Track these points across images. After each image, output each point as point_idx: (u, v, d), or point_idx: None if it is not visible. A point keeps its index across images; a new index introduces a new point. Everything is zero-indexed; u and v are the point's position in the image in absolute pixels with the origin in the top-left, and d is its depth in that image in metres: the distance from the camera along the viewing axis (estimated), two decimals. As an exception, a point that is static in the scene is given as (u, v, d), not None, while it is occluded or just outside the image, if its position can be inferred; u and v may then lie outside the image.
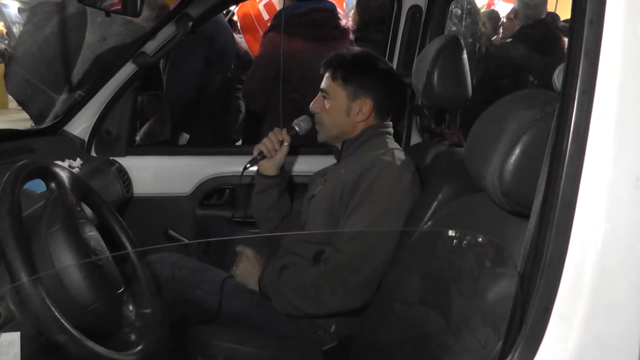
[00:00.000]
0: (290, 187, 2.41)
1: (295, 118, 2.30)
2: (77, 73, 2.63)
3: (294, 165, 2.60)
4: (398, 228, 1.87)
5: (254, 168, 2.28)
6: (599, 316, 0.88)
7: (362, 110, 2.07)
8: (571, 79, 0.86)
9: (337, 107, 2.09)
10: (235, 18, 4.28)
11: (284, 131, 2.23)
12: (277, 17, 3.13)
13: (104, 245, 1.42)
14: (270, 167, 2.24)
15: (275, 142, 2.20)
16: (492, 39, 5.05)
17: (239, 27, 4.02)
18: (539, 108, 1.16)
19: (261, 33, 3.69)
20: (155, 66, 2.85)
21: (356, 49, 2.30)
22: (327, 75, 2.12)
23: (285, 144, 2.22)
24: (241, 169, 2.24)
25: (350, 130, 2.11)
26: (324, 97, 2.13)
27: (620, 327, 0.89)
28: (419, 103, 2.54)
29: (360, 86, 2.07)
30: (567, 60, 0.88)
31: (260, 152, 2.21)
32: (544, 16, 4.27)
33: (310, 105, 2.17)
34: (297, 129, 2.24)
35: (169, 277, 1.98)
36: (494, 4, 5.95)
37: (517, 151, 1.16)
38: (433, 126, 2.36)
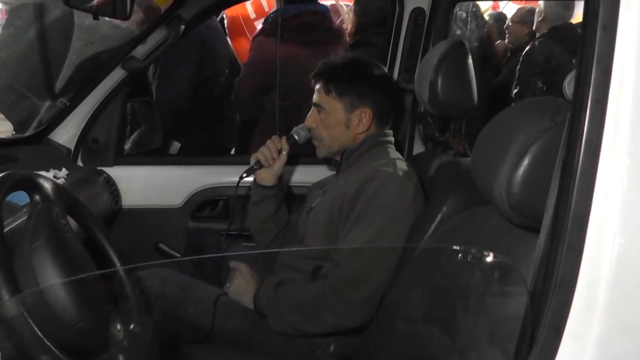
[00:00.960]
0: (288, 198, 2.41)
1: (288, 125, 2.30)
2: (62, 78, 2.62)
3: (292, 175, 2.60)
4: (400, 242, 1.87)
5: (250, 178, 2.28)
6: (614, 336, 0.88)
7: (362, 120, 2.07)
8: (583, 87, 0.86)
9: (336, 121, 2.10)
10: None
11: (283, 139, 2.22)
12: (267, 21, 3.14)
13: (91, 261, 1.42)
14: (268, 176, 2.24)
15: (273, 150, 2.20)
16: (496, 43, 5.03)
17: (227, 31, 4.04)
18: (548, 117, 1.16)
19: (249, 36, 3.72)
20: (143, 71, 2.85)
21: (345, 56, 2.29)
22: (318, 87, 2.12)
23: (284, 152, 2.22)
24: (235, 179, 2.24)
25: (351, 143, 2.11)
26: (319, 112, 2.13)
27: (637, 348, 0.89)
28: (422, 110, 2.54)
29: (357, 96, 2.08)
30: (579, 67, 0.88)
31: (258, 161, 2.21)
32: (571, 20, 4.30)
33: (306, 120, 2.17)
34: (296, 137, 2.23)
35: (159, 294, 1.98)
36: (499, 7, 5.93)
37: (526, 162, 1.15)
38: (437, 135, 2.36)
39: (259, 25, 3.94)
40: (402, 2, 2.63)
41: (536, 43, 4.17)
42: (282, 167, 2.24)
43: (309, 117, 2.16)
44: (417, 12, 2.60)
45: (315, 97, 2.13)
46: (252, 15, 4.05)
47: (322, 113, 2.11)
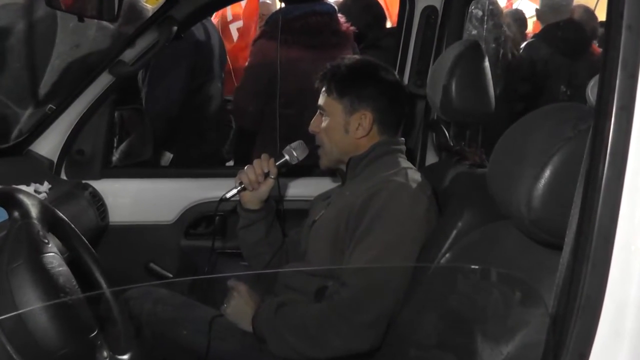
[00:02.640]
0: (288, 213, 2.40)
1: (290, 136, 2.29)
2: (45, 85, 2.63)
3: (292, 188, 2.60)
4: (412, 260, 1.86)
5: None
6: (643, 364, 0.88)
7: (362, 124, 2.08)
8: (607, 93, 0.86)
9: (335, 123, 2.11)
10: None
11: (271, 161, 2.21)
12: (270, 22, 3.15)
13: (75, 283, 1.42)
14: (252, 200, 2.24)
15: (259, 173, 2.18)
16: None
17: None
18: (571, 124, 1.16)
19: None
20: (133, 77, 2.85)
21: (354, 57, 2.29)
22: (323, 89, 2.13)
23: (272, 177, 2.21)
24: (234, 192, 2.23)
25: (354, 150, 2.11)
26: (322, 115, 2.14)
27: (668, 377, 0.88)
28: (435, 117, 2.54)
29: (357, 97, 2.08)
30: (602, 71, 0.87)
31: (241, 183, 2.20)
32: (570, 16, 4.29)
33: (310, 125, 2.18)
34: (287, 157, 2.22)
35: (150, 316, 1.98)
36: (511, 6, 5.90)
37: (547, 173, 1.15)
38: (451, 144, 2.35)
39: (233, 29, 3.98)
40: (413, 1, 2.64)
41: (521, 48, 4.18)
42: (269, 191, 2.23)
43: (312, 122, 2.17)
44: (429, 10, 2.60)
45: (319, 100, 2.14)
46: (229, 18, 4.11)
47: (324, 116, 2.12)
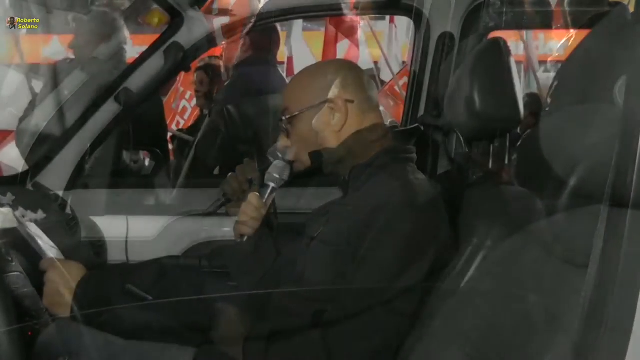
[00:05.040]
0: (281, 228, 2.40)
1: None
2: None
3: (286, 200, 2.58)
4: (420, 282, 1.86)
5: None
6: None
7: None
8: (636, 94, 0.86)
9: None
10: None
11: (254, 166, 2.24)
12: None
13: (42, 305, 1.42)
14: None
15: (242, 180, 2.22)
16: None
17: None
18: (597, 129, 1.16)
19: None
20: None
21: None
22: None
23: (256, 183, 2.23)
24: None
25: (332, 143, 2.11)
26: None
27: None
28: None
29: None
30: (631, 69, 0.88)
31: (225, 194, 2.22)
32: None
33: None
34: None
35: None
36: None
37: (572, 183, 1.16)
38: (466, 150, 2.35)
39: None
40: (428, 27, 2.67)
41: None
42: None
43: None
44: (446, 37, 2.63)
45: None
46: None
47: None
